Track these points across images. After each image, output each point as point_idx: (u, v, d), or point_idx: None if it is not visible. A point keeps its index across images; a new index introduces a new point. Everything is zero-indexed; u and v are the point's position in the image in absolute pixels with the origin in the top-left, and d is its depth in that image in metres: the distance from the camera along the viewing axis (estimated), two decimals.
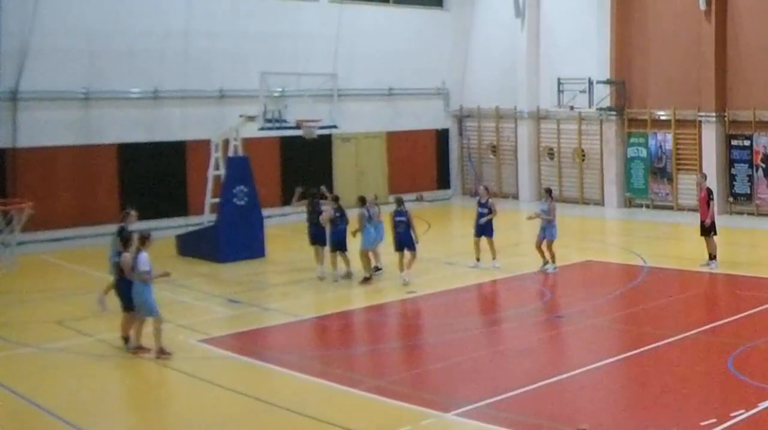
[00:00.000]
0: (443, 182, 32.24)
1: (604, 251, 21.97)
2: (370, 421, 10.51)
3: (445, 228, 26.23)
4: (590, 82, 27.82)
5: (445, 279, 18.39)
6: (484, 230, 19.12)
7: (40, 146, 22.59)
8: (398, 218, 17.95)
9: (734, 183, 26.02)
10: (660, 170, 27.56)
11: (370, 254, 18.25)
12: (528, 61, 30.26)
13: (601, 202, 29.03)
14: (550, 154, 30.40)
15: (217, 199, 21.31)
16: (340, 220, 18.35)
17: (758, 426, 9.93)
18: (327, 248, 18.59)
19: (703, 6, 25.81)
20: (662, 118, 27.49)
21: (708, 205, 18.58)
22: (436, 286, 17.66)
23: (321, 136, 23.01)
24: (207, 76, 25.45)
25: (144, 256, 12.92)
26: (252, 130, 21.60)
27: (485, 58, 31.61)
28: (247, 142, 22.21)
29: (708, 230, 18.67)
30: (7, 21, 21.89)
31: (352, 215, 18.60)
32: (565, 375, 11.93)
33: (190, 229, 22.26)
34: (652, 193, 27.82)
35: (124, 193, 23.75)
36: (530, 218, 19.46)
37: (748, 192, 25.78)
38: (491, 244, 19.09)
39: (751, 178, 25.68)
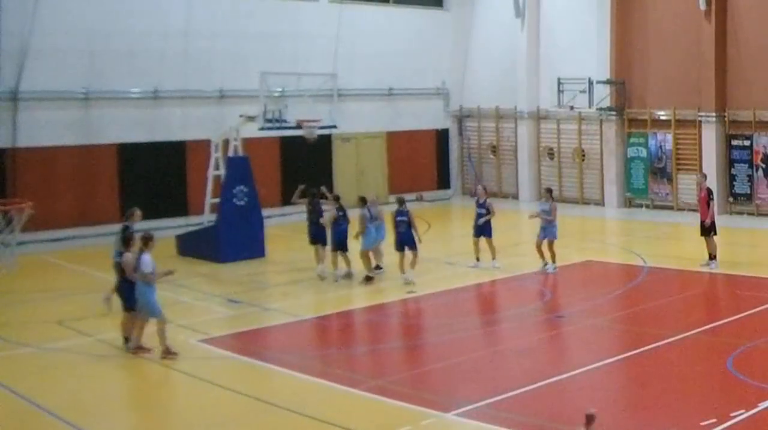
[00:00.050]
0: (443, 182, 32.24)
1: (604, 251, 21.97)
2: (370, 421, 10.52)
3: (445, 228, 26.24)
4: (590, 82, 27.82)
5: (445, 279, 18.39)
6: (482, 230, 19.12)
7: (40, 146, 22.58)
8: (399, 218, 17.96)
9: (734, 183, 26.02)
10: (660, 170, 27.56)
11: (371, 254, 18.26)
12: (528, 61, 30.26)
13: (601, 202, 29.03)
14: (550, 154, 30.40)
15: (217, 199, 21.31)
16: (341, 219, 18.35)
17: (758, 426, 9.94)
18: (328, 248, 18.60)
19: (703, 6, 25.81)
20: (662, 118, 27.49)
21: (708, 205, 18.58)
22: (436, 286, 17.66)
23: (321, 136, 23.02)
24: (207, 76, 25.45)
25: (147, 257, 12.92)
26: (252, 130, 21.60)
27: (485, 58, 31.61)
28: (247, 142, 22.21)
29: (708, 230, 18.67)
30: (7, 21, 21.89)
31: (353, 214, 18.61)
32: (565, 375, 11.93)
33: (190, 229, 22.26)
34: (652, 193, 27.82)
35: (124, 193, 23.76)
36: (532, 217, 19.46)
37: (748, 192, 25.78)
38: (490, 244, 19.09)
39: (751, 178, 25.68)
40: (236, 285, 18.16)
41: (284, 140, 25.97)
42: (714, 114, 25.96)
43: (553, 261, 18.75)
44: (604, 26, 28.42)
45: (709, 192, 18.87)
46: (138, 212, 15.19)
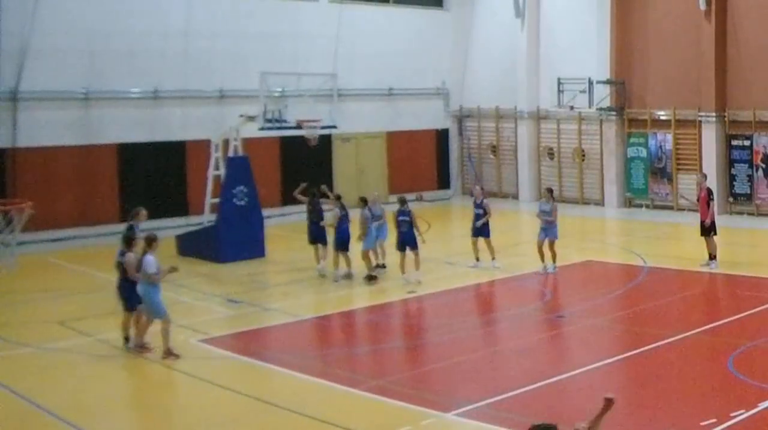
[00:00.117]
0: (443, 182, 32.24)
1: (604, 251, 21.97)
2: (370, 421, 10.52)
3: (445, 228, 26.23)
4: (590, 82, 27.82)
5: (445, 279, 18.39)
6: (480, 231, 19.11)
7: (40, 146, 22.59)
8: (402, 218, 17.98)
9: (734, 183, 26.02)
10: (660, 170, 27.56)
11: (371, 254, 18.26)
12: (528, 61, 30.26)
13: (601, 203, 29.03)
14: (550, 154, 30.40)
15: (217, 199, 21.31)
16: (343, 219, 18.36)
17: (758, 426, 9.94)
18: (330, 247, 18.59)
19: (703, 6, 25.81)
20: (662, 118, 27.49)
21: (708, 205, 18.58)
22: (436, 286, 17.66)
23: (321, 136, 23.01)
24: (207, 76, 25.45)
25: (150, 258, 12.93)
26: (252, 130, 21.60)
27: (485, 58, 31.61)
28: (247, 142, 22.21)
29: (708, 230, 18.67)
30: (7, 21, 21.89)
31: (354, 215, 18.61)
32: (565, 375, 11.93)
33: (190, 229, 22.26)
34: (652, 193, 27.83)
35: (124, 193, 23.78)
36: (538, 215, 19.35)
37: (748, 192, 25.78)
38: (488, 244, 19.08)
39: (751, 178, 25.68)
40: (236, 285, 18.16)
41: (284, 140, 25.97)
42: (714, 114, 25.96)
43: (554, 261, 18.74)
44: (604, 26, 28.42)
45: (709, 192, 18.87)
46: (143, 212, 15.23)
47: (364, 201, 18.60)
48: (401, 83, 30.40)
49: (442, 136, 32.20)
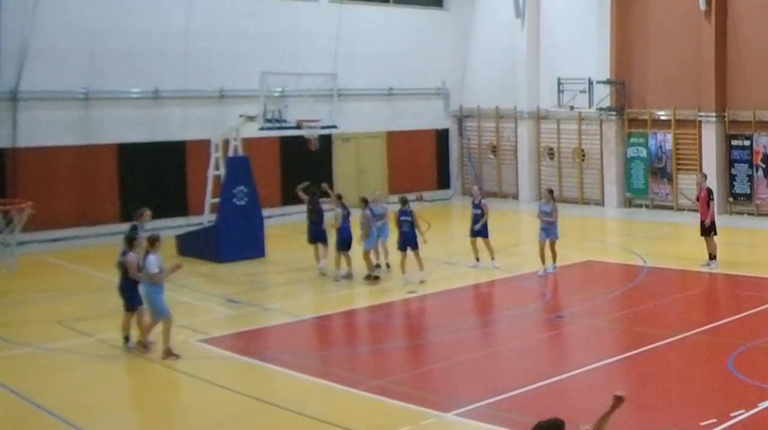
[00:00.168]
0: (443, 182, 32.23)
1: (604, 251, 21.97)
2: (370, 421, 10.52)
3: (445, 228, 26.22)
4: (590, 82, 27.82)
5: (445, 279, 18.39)
6: (478, 231, 19.09)
7: (40, 146, 22.58)
8: (403, 218, 17.98)
9: (734, 183, 26.02)
10: (660, 170, 27.56)
11: (372, 254, 18.25)
12: (528, 61, 30.26)
13: (601, 203, 29.02)
14: (550, 154, 30.40)
15: (217, 199, 21.31)
16: (346, 219, 18.34)
17: (758, 426, 9.94)
18: (331, 247, 18.57)
19: (703, 6, 25.81)
20: (662, 118, 27.49)
21: (708, 205, 18.58)
22: (436, 286, 17.66)
23: (321, 136, 23.01)
24: (207, 76, 25.45)
25: (152, 258, 12.92)
26: (252, 130, 21.60)
27: (485, 58, 31.61)
28: (247, 142, 22.21)
29: (708, 230, 18.67)
30: (7, 21, 21.89)
31: (354, 215, 18.61)
32: (565, 375, 11.93)
33: (190, 229, 22.26)
34: (652, 193, 27.82)
35: (124, 193, 23.78)
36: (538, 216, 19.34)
37: (748, 192, 25.78)
38: (487, 244, 19.08)
39: (751, 178, 25.69)
40: (236, 285, 18.16)
41: (284, 140, 25.96)
42: (714, 114, 25.96)
43: (554, 261, 18.74)
44: (604, 26, 28.42)
45: (709, 192, 18.87)
46: (148, 212, 15.22)
47: (364, 202, 18.59)
48: (401, 83, 30.40)
49: (442, 136, 32.20)
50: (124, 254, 13.57)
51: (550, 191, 19.44)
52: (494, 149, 31.77)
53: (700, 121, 26.38)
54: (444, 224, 26.90)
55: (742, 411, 10.13)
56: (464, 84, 32.33)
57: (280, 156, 26.97)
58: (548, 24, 30.07)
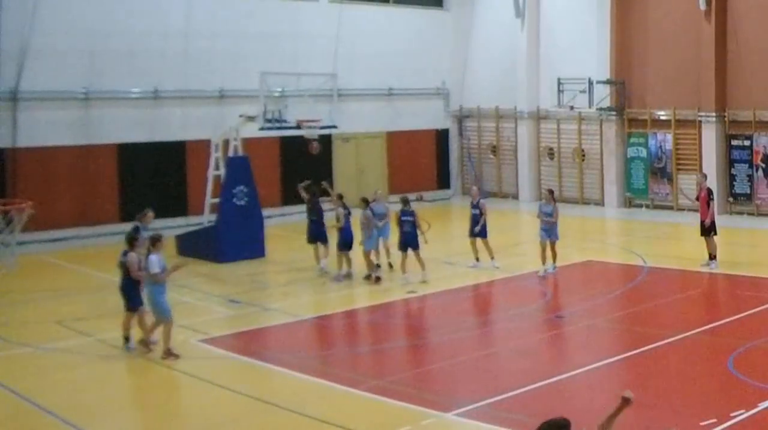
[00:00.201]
0: (443, 182, 32.24)
1: (604, 251, 21.97)
2: (370, 421, 10.52)
3: (445, 228, 26.22)
4: (590, 82, 27.82)
5: (445, 279, 18.39)
6: (477, 232, 19.09)
7: (40, 146, 22.59)
8: (404, 218, 17.97)
9: (734, 183, 26.02)
10: (660, 170, 27.56)
11: (372, 254, 18.25)
12: (528, 61, 30.27)
13: (601, 203, 29.03)
14: (550, 154, 30.40)
15: (217, 200, 21.31)
16: (347, 218, 18.34)
17: (758, 426, 9.93)
18: (333, 247, 18.56)
19: (703, 6, 25.81)
20: (662, 118, 27.49)
21: (708, 205, 18.58)
22: (436, 286, 17.66)
23: (321, 136, 23.01)
24: (207, 76, 25.45)
25: (154, 257, 12.91)
26: (252, 130, 21.60)
27: (485, 58, 31.61)
28: (247, 142, 22.21)
29: (708, 230, 18.67)
30: (7, 21, 21.89)
31: (355, 215, 18.60)
32: (565, 375, 11.93)
33: (190, 229, 22.26)
34: (652, 193, 27.82)
35: (124, 193, 23.79)
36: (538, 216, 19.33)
37: (748, 192, 25.78)
38: (486, 244, 19.08)
39: (751, 178, 25.69)
40: (236, 285, 18.16)
41: (284, 140, 25.96)
42: (714, 114, 25.96)
43: (554, 261, 18.73)
44: (604, 26, 28.42)
45: (709, 192, 18.87)
46: (150, 213, 15.22)
47: (365, 202, 18.58)
48: (401, 83, 30.41)
49: (442, 136, 32.20)
50: (125, 253, 13.58)
51: (551, 192, 19.43)
52: (494, 149, 31.77)
53: (700, 121, 26.39)
54: (444, 224, 26.90)
55: (742, 411, 10.12)
56: (464, 84, 32.34)
57: (280, 156, 26.97)
58: (548, 24, 30.07)
